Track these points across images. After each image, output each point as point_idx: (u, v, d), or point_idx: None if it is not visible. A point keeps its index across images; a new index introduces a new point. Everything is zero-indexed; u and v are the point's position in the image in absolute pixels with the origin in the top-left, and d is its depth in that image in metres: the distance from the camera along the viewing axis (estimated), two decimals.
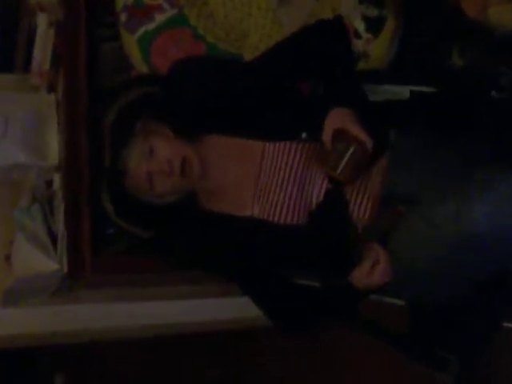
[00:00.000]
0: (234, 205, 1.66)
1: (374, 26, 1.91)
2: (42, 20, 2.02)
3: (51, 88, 2.05)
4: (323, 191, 1.64)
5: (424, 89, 1.84)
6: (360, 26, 1.91)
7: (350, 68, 1.68)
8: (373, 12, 1.90)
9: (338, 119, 1.55)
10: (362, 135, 1.53)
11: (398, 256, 1.55)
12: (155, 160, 1.56)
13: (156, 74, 1.94)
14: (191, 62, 1.77)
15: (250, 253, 1.67)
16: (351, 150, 1.51)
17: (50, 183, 1.98)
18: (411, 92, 1.79)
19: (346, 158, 1.51)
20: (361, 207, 1.63)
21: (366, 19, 1.91)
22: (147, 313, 2.12)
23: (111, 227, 1.94)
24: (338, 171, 1.52)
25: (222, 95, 1.67)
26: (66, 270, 1.81)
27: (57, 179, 1.95)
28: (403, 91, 1.87)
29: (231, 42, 1.98)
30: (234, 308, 2.20)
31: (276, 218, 1.64)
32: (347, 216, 1.63)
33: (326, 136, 1.56)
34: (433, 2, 1.92)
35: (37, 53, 2.04)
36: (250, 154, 1.65)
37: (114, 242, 1.95)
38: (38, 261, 1.82)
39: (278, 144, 1.64)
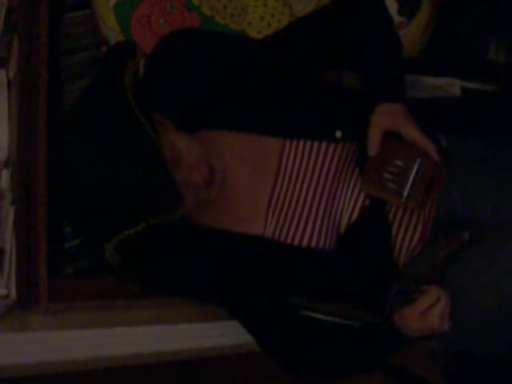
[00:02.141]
0: (240, 219, 1.25)
1: (409, 7, 1.54)
2: None
3: (1, 62, 1.60)
4: (358, 209, 1.23)
5: (466, 84, 1.45)
6: (392, 6, 1.53)
7: (396, 54, 1.27)
8: None
9: (388, 118, 1.16)
10: (424, 141, 1.13)
11: (451, 297, 1.16)
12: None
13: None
14: (187, 37, 1.33)
15: (258, 280, 1.25)
16: (416, 165, 1.11)
17: None
18: (462, 88, 1.39)
19: (411, 178, 1.11)
20: (408, 231, 1.23)
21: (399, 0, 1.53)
22: (112, 341, 1.69)
23: (70, 240, 1.51)
24: (404, 197, 1.12)
25: (229, 79, 1.25)
26: (15, 296, 1.35)
27: (4, 176, 1.50)
28: (437, 84, 1.47)
29: (229, 15, 1.57)
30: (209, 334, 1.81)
31: (294, 240, 1.22)
32: (389, 242, 1.22)
33: (374, 137, 1.15)
34: None
35: None
36: (265, 154, 1.24)
37: (74, 258, 1.52)
38: None
39: (301, 142, 1.22)
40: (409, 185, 1.14)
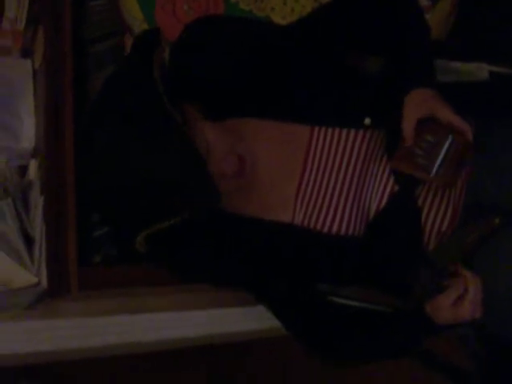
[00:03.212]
0: (269, 207, 1.23)
1: None
2: None
3: (27, 52, 1.60)
4: (387, 195, 1.22)
5: (494, 68, 1.42)
6: None
7: (427, 39, 1.24)
8: None
9: (422, 104, 1.13)
10: (461, 122, 1.11)
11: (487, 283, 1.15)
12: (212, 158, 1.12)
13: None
14: (212, 24, 1.31)
15: (287, 267, 1.25)
16: (448, 142, 1.09)
17: (23, 171, 1.52)
18: (491, 72, 1.36)
19: (442, 154, 1.08)
20: (437, 216, 1.21)
21: None
22: (140, 327, 1.69)
23: (99, 228, 1.51)
24: (433, 174, 1.09)
25: (255, 66, 1.23)
26: (45, 283, 1.35)
27: (33, 166, 1.49)
28: (465, 69, 1.44)
29: (253, 2, 1.55)
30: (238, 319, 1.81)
31: (324, 228, 1.21)
32: (419, 228, 1.21)
33: (409, 126, 1.13)
34: None
35: (9, 7, 1.59)
36: (293, 141, 1.22)
37: (102, 246, 1.52)
38: (10, 272, 1.36)
39: (330, 130, 1.20)
40: (439, 161, 1.11)
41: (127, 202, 1.10)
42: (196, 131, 1.12)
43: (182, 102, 1.14)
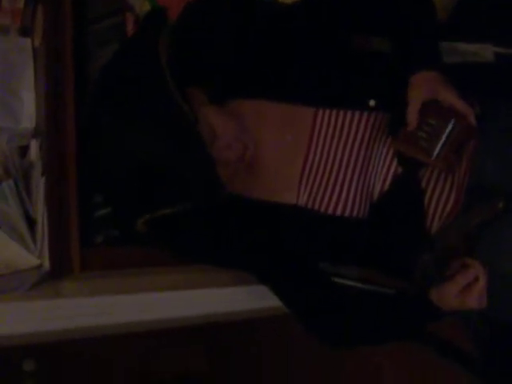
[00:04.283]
0: (273, 189, 1.22)
1: None
2: None
3: (26, 30, 1.58)
4: (390, 177, 1.21)
5: (499, 49, 1.40)
6: None
7: (432, 20, 1.22)
8: None
9: (426, 87, 1.13)
10: (463, 106, 1.10)
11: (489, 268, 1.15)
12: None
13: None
14: (214, 2, 1.28)
15: (291, 248, 1.24)
16: (450, 125, 1.08)
17: (24, 151, 1.50)
18: (496, 53, 1.34)
19: (443, 137, 1.08)
20: (441, 199, 1.20)
21: None
22: (142, 307, 1.69)
23: (101, 209, 1.50)
24: (434, 156, 1.09)
25: (259, 45, 1.21)
26: (47, 265, 1.35)
27: (34, 147, 1.48)
28: (471, 50, 1.42)
29: None
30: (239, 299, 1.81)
31: (328, 209, 1.20)
32: (422, 210, 1.20)
33: (413, 108, 1.12)
34: None
35: None
36: (297, 122, 1.21)
37: (104, 227, 1.51)
38: (12, 253, 1.35)
39: (334, 111, 1.19)
40: (440, 144, 1.12)
41: (128, 184, 1.09)
42: (200, 116, 1.11)
43: (186, 86, 1.12)
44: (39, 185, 1.42)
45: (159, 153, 1.05)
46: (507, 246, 1.18)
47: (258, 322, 1.80)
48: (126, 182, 1.08)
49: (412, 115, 1.13)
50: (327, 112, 1.19)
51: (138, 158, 1.06)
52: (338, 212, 1.20)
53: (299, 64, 1.20)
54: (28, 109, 1.54)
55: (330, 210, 1.20)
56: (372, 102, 1.18)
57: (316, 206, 1.21)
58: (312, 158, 1.21)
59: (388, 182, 1.21)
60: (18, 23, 1.59)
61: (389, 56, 1.23)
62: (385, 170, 1.21)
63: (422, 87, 1.13)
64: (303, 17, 1.24)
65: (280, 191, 1.22)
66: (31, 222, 1.40)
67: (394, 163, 1.21)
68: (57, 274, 1.37)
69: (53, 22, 1.49)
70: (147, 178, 1.06)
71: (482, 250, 1.18)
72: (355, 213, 1.20)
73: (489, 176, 1.20)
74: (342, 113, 1.19)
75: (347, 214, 1.20)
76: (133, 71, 1.10)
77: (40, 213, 1.39)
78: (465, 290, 1.13)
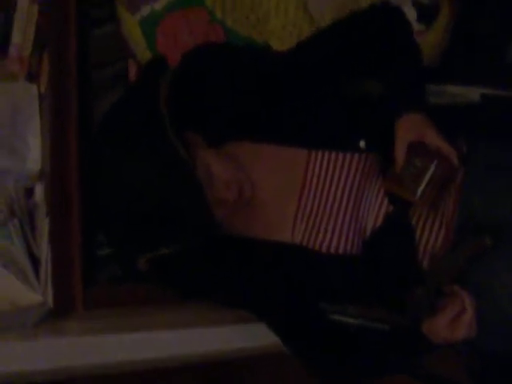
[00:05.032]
0: (269, 227, 1.26)
1: (427, 14, 1.52)
2: None
3: (32, 77, 1.64)
4: (382, 215, 1.25)
5: (486, 90, 1.45)
6: (410, 13, 1.52)
7: (419, 64, 1.28)
8: None
9: (412, 129, 1.17)
10: (447, 147, 1.15)
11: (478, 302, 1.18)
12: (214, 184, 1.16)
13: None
14: (212, 49, 1.35)
15: (288, 286, 1.27)
16: (433, 166, 1.13)
17: (29, 193, 1.55)
18: (482, 95, 1.40)
19: (427, 178, 1.13)
20: (431, 235, 1.24)
21: (418, 6, 1.51)
22: (143, 345, 1.71)
23: (103, 247, 1.54)
24: (417, 196, 1.14)
25: (253, 91, 1.26)
26: (51, 303, 1.38)
27: (39, 189, 1.53)
28: (460, 93, 1.48)
29: (252, 25, 1.59)
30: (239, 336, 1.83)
31: (322, 247, 1.24)
32: (413, 247, 1.24)
33: (400, 150, 1.17)
34: None
35: (16, 34, 1.63)
36: (291, 164, 1.25)
37: (108, 264, 1.54)
38: (16, 291, 1.39)
39: (326, 153, 1.24)
40: (424, 184, 1.16)
41: (128, 221, 1.13)
42: (197, 158, 1.15)
43: (183, 129, 1.17)
44: (43, 225, 1.47)
45: (156, 191, 1.10)
46: (497, 279, 1.21)
47: (256, 359, 1.81)
48: (126, 219, 1.12)
49: (398, 156, 1.18)
50: (320, 154, 1.23)
51: (136, 193, 1.10)
52: (332, 250, 1.23)
53: (291, 107, 1.25)
54: (34, 152, 1.59)
55: (324, 248, 1.23)
56: (362, 144, 1.22)
57: (311, 245, 1.24)
58: (306, 198, 1.25)
59: (380, 220, 1.25)
60: (25, 70, 1.65)
61: (378, 98, 1.27)
62: (377, 208, 1.25)
63: (409, 129, 1.18)
64: (295, 62, 1.30)
65: (275, 230, 1.25)
66: (35, 261, 1.45)
67: (386, 202, 1.25)
68: (60, 312, 1.40)
69: (58, 69, 1.55)
70: (146, 216, 1.11)
71: (473, 283, 1.21)
72: (349, 250, 1.24)
73: (476, 211, 1.24)
74: (333, 154, 1.23)
75: (341, 251, 1.23)
76: (134, 116, 1.15)
77: (44, 252, 1.44)
78: (454, 321, 1.16)
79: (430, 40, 1.56)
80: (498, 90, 1.46)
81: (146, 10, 1.55)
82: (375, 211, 1.25)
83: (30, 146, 1.59)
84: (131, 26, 1.57)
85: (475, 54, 1.59)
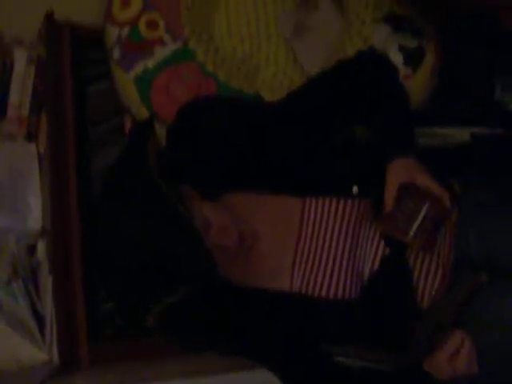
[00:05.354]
0: (267, 276, 1.28)
1: (413, 58, 1.56)
2: (19, 57, 1.65)
3: (31, 136, 1.68)
4: (379, 257, 1.27)
5: (474, 130, 1.49)
6: (396, 58, 1.56)
7: (406, 108, 1.32)
8: (412, 42, 1.55)
9: (403, 173, 1.20)
10: (438, 189, 1.17)
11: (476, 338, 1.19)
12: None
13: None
14: (205, 104, 1.38)
15: (289, 333, 1.29)
16: (425, 207, 1.16)
17: (32, 250, 1.57)
18: (472, 134, 1.43)
19: (419, 219, 1.16)
20: (428, 276, 1.26)
21: (404, 50, 1.55)
22: None
23: (108, 301, 1.55)
24: (410, 236, 1.17)
25: (245, 143, 1.30)
26: (56, 361, 1.40)
27: (41, 246, 1.55)
28: (450, 133, 1.51)
29: (244, 77, 1.62)
30: None
31: (321, 293, 1.26)
32: (411, 288, 1.26)
33: (390, 194, 1.20)
34: (477, 29, 1.58)
35: (14, 95, 1.68)
36: (287, 212, 1.27)
37: (114, 318, 1.56)
38: (21, 350, 1.40)
39: (320, 200, 1.26)
40: (416, 225, 1.19)
41: (125, 276, 1.15)
42: (193, 207, 1.18)
43: (178, 183, 1.20)
44: (47, 283, 1.49)
45: (153, 241, 1.12)
46: (494, 316, 1.23)
47: None
48: (125, 272, 1.14)
49: (389, 199, 1.21)
50: (314, 201, 1.26)
51: (134, 245, 1.13)
52: (331, 295, 1.25)
53: (283, 156, 1.28)
54: (35, 210, 1.62)
55: (324, 294, 1.25)
56: (355, 189, 1.25)
57: (310, 292, 1.26)
58: (303, 245, 1.27)
59: (377, 263, 1.26)
60: (24, 130, 1.68)
61: (368, 142, 1.31)
62: (373, 252, 1.27)
63: (399, 173, 1.21)
64: (285, 113, 1.33)
65: (274, 279, 1.27)
66: (40, 319, 1.46)
67: (382, 244, 1.27)
68: (66, 369, 1.41)
69: (56, 128, 1.59)
70: (144, 267, 1.13)
71: (470, 319, 1.22)
72: (347, 294, 1.25)
73: (471, 249, 1.26)
74: (327, 201, 1.26)
75: (339, 296, 1.25)
76: (128, 173, 1.18)
77: (48, 310, 1.45)
78: (454, 357, 1.18)
79: (418, 83, 1.59)
80: (487, 128, 1.49)
81: (139, 68, 1.59)
82: (372, 254, 1.27)
83: (30, 204, 1.62)
84: (125, 83, 1.60)
85: (463, 94, 1.62)
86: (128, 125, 1.71)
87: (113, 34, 1.62)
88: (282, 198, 1.27)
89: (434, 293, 1.25)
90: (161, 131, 1.52)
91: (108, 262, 1.17)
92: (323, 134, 1.32)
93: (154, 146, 1.20)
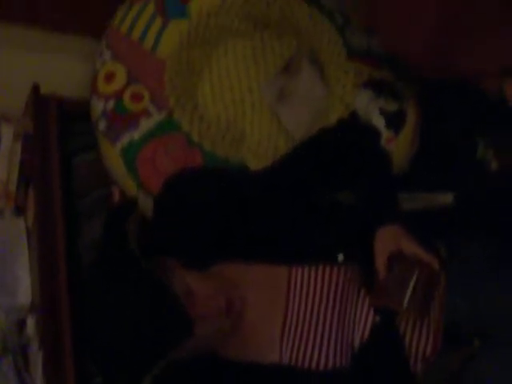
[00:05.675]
0: (256, 349, 1.27)
1: (395, 121, 1.58)
2: (6, 133, 1.67)
3: (19, 211, 1.68)
4: (369, 325, 1.27)
5: (460, 191, 1.50)
6: (379, 121, 1.58)
7: (388, 174, 1.34)
8: (393, 106, 1.58)
9: (390, 241, 1.21)
10: (425, 254, 1.19)
11: None
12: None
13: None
14: (190, 176, 1.40)
15: None
16: (415, 274, 1.17)
17: (21, 326, 1.56)
18: (456, 196, 1.45)
19: (411, 286, 1.16)
20: (420, 341, 1.26)
21: (385, 114, 1.58)
22: None
23: (98, 375, 1.53)
24: (405, 305, 1.17)
25: (230, 214, 1.31)
26: None
27: (30, 322, 1.54)
28: (435, 196, 1.53)
29: (229, 144, 1.64)
30: None
31: (311, 364, 1.25)
32: (403, 355, 1.25)
33: (380, 263, 1.21)
34: (456, 90, 1.62)
35: (1, 171, 1.70)
36: (274, 281, 1.28)
37: None
38: None
39: (306, 269, 1.27)
40: (408, 293, 1.19)
41: (114, 354, 1.16)
42: (174, 276, 1.18)
43: (160, 255, 1.22)
44: (37, 359, 1.47)
45: (134, 313, 1.14)
46: (488, 379, 1.22)
47: None
48: (111, 346, 1.15)
49: (379, 268, 1.21)
50: (300, 270, 1.26)
51: (118, 319, 1.14)
52: (321, 366, 1.24)
53: (268, 225, 1.29)
54: (24, 285, 1.61)
55: (314, 365, 1.24)
56: (340, 257, 1.26)
57: (299, 363, 1.25)
58: (290, 315, 1.27)
59: (367, 331, 1.26)
60: (12, 205, 1.69)
61: (353, 207, 1.32)
62: (363, 320, 1.27)
63: (386, 241, 1.22)
64: (270, 184, 1.35)
65: (263, 351, 1.26)
66: None
67: (371, 312, 1.27)
68: None
69: (43, 202, 1.59)
70: (130, 343, 1.13)
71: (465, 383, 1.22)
72: (338, 364, 1.25)
73: (461, 313, 1.26)
74: (313, 269, 1.26)
75: (330, 366, 1.24)
76: (110, 251, 1.21)
77: None
78: None
79: (401, 145, 1.61)
80: (470, 189, 1.51)
81: (125, 140, 1.60)
82: (362, 322, 1.27)
83: (19, 279, 1.61)
84: (112, 155, 1.62)
85: (445, 155, 1.65)
86: (116, 195, 1.72)
87: (98, 106, 1.64)
88: (269, 266, 1.28)
89: (427, 358, 1.25)
90: (148, 202, 1.54)
91: (95, 339, 1.18)
92: (307, 201, 1.34)
93: (134, 226, 1.22)
